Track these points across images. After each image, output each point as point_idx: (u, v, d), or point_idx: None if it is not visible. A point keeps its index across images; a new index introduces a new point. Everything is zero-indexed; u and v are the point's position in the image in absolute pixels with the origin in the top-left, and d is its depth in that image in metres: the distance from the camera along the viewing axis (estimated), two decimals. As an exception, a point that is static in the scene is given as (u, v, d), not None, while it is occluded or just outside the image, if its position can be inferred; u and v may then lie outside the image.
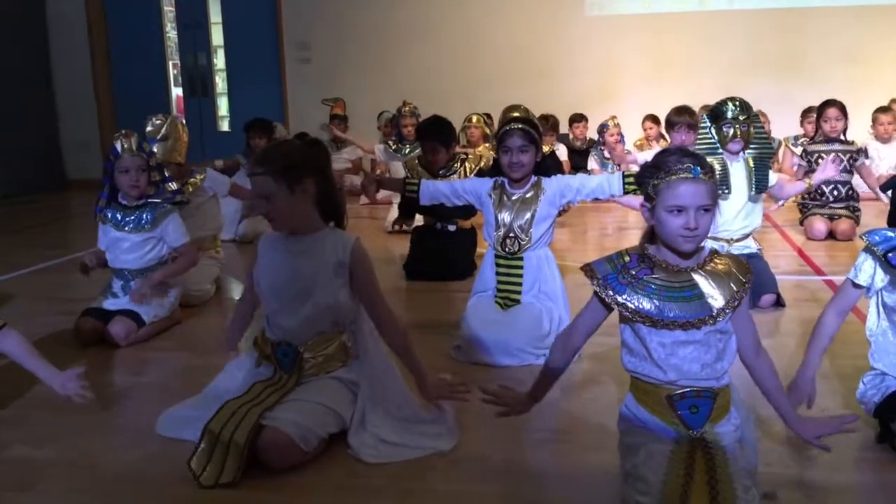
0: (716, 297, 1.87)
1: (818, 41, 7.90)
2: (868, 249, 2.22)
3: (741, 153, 3.83)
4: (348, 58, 8.87)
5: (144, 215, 3.58)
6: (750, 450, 1.95)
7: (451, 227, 4.69)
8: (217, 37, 9.89)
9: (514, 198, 3.24)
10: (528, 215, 3.21)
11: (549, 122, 7.18)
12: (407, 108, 6.35)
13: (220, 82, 10.06)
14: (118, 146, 3.52)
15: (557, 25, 8.56)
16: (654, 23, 8.23)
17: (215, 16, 9.81)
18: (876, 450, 2.29)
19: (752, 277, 1.92)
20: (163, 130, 4.19)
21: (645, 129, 7.95)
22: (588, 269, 1.96)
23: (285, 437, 2.21)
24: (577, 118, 8.03)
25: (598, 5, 8.66)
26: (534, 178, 3.24)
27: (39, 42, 9.41)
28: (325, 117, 8.67)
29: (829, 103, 5.48)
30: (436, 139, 4.60)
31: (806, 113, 7.11)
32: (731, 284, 1.88)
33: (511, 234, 3.22)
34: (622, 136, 7.59)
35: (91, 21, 9.60)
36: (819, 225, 5.35)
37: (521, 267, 3.25)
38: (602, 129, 7.57)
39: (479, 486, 2.19)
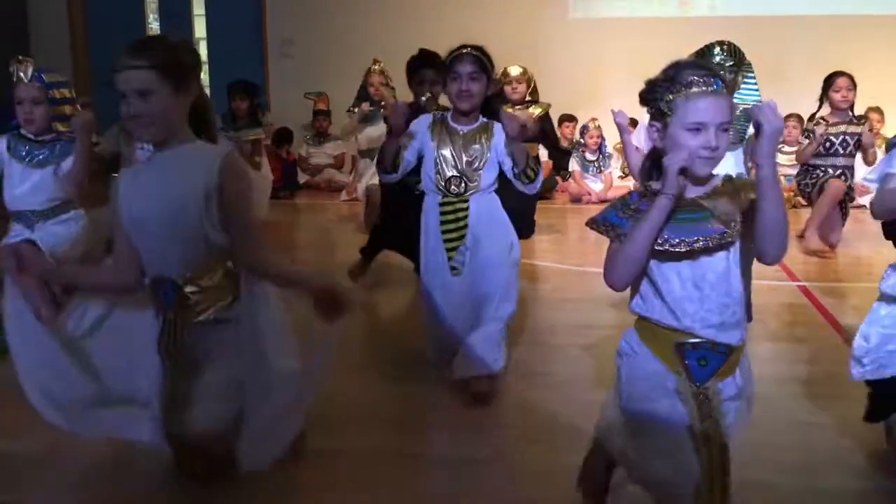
0: (729, 212, 1.69)
1: (798, 50, 7.97)
2: None
3: None
4: (332, 52, 8.83)
5: (56, 149, 3.21)
6: (744, 414, 1.83)
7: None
8: (200, 29, 9.80)
9: (459, 133, 2.92)
10: (476, 154, 2.89)
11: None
12: (376, 66, 5.82)
13: (203, 75, 9.99)
14: (13, 74, 3.15)
15: (542, 28, 8.58)
16: (636, 27, 8.27)
17: (198, 7, 9.73)
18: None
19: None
20: None
21: (620, 152, 7.98)
22: (590, 219, 1.83)
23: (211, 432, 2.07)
24: (567, 118, 8.04)
25: (581, 8, 8.70)
26: (483, 119, 2.93)
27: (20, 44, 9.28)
28: (308, 112, 8.64)
29: (837, 74, 5.28)
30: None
31: (786, 119, 7.19)
32: (742, 197, 1.70)
33: (455, 174, 2.89)
34: (603, 139, 7.63)
35: (71, 11, 9.50)
36: (837, 183, 5.09)
37: (466, 209, 2.90)
38: (583, 130, 7.62)
39: (454, 487, 2.21)
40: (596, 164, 7.60)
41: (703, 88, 1.68)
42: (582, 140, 7.63)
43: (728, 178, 1.75)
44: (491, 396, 2.74)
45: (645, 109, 1.78)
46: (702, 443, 1.72)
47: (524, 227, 4.88)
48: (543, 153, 7.44)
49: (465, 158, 2.88)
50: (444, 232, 2.90)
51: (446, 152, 2.90)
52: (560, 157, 7.68)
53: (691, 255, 1.69)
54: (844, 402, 2.62)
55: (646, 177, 1.82)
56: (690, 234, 1.68)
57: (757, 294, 3.79)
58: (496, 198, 2.95)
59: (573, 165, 7.64)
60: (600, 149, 7.62)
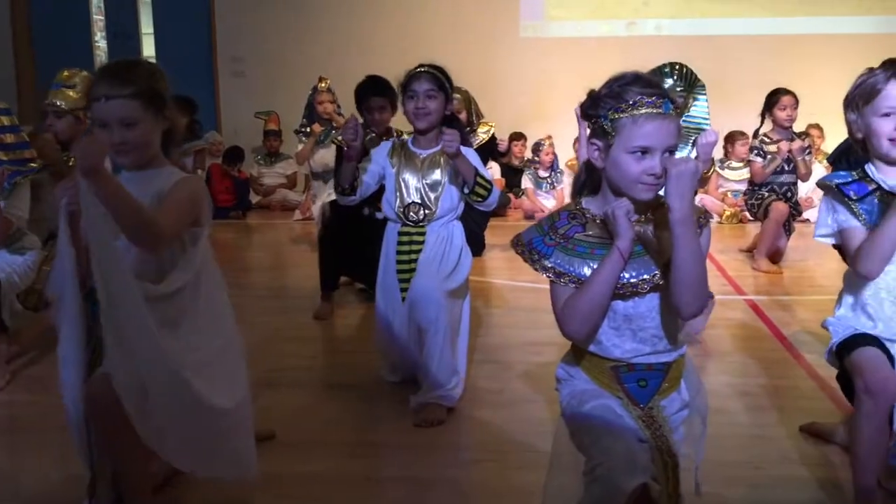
0: (664, 250, 1.60)
1: (741, 68, 8.15)
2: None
3: None
4: (283, 71, 8.80)
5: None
6: (698, 428, 1.80)
7: (380, 214, 3.58)
8: (148, 48, 9.69)
9: (419, 157, 2.90)
10: (435, 179, 2.85)
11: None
12: (323, 85, 5.70)
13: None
14: None
15: (493, 46, 8.67)
16: (586, 46, 8.39)
17: (147, 26, 9.62)
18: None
19: (707, 221, 1.69)
20: (75, 79, 3.74)
21: (576, 150, 8.08)
22: (514, 239, 1.73)
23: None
24: (517, 136, 8.12)
25: (531, 27, 8.82)
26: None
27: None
28: (260, 131, 8.57)
29: (782, 91, 5.40)
30: (384, 95, 3.95)
31: (729, 137, 7.35)
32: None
33: (415, 201, 2.86)
34: (556, 156, 7.71)
35: (15, 28, 9.32)
36: (780, 206, 5.20)
37: (422, 242, 2.87)
38: (537, 147, 7.69)
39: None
40: (549, 180, 7.68)
41: (651, 110, 1.57)
42: (536, 157, 7.70)
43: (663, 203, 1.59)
44: (442, 423, 2.72)
45: (586, 124, 1.68)
46: (656, 455, 1.70)
47: (475, 246, 4.89)
48: (496, 171, 7.51)
49: (424, 183, 2.86)
50: (398, 262, 2.89)
51: (407, 176, 2.88)
52: (512, 174, 7.75)
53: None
54: (791, 415, 2.67)
55: (578, 192, 1.76)
56: (638, 273, 1.63)
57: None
58: (457, 226, 2.93)
59: (526, 183, 7.71)
60: (553, 166, 7.70)
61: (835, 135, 7.84)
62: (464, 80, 6.20)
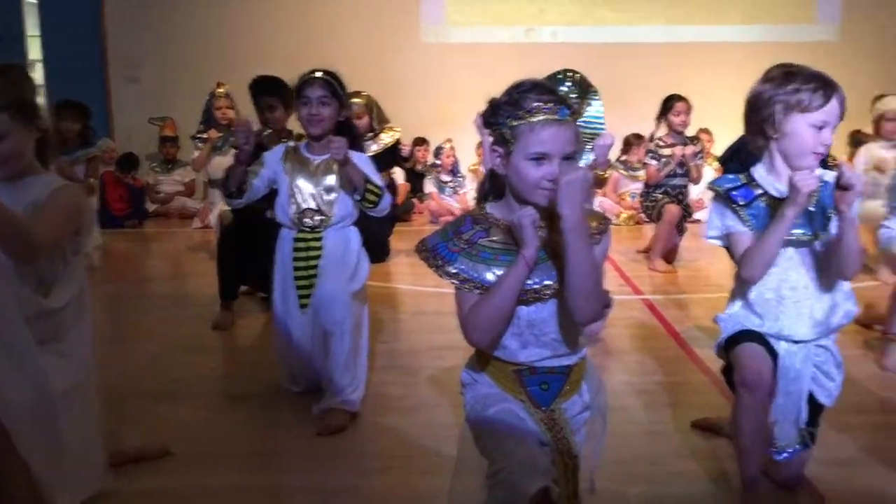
0: (561, 256, 1.60)
1: (635, 74, 8.42)
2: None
3: None
4: (179, 75, 8.57)
5: None
6: (599, 427, 1.82)
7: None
8: (34, 51, 9.28)
9: (313, 163, 2.87)
10: (330, 185, 2.83)
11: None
12: (221, 90, 5.54)
13: (39, 98, 9.42)
14: None
15: (395, 52, 8.69)
16: (486, 52, 8.51)
17: (32, 28, 9.21)
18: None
19: (606, 226, 1.72)
20: None
21: (479, 156, 8.17)
22: (419, 244, 1.72)
23: None
24: (420, 142, 8.14)
25: (433, 32, 8.88)
26: None
27: None
28: (155, 138, 8.31)
29: (676, 97, 5.61)
30: (274, 94, 3.96)
31: (627, 142, 7.57)
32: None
33: (310, 207, 2.83)
34: (457, 160, 7.77)
35: None
36: (673, 208, 5.40)
37: (319, 247, 2.84)
38: (438, 151, 7.74)
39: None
40: (451, 185, 7.73)
41: (548, 117, 1.59)
42: (437, 161, 7.75)
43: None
44: (345, 429, 2.70)
45: (487, 132, 1.69)
46: (557, 457, 1.74)
47: (379, 252, 4.88)
48: (400, 176, 7.52)
49: (319, 189, 2.84)
50: (296, 269, 2.85)
51: (301, 183, 2.85)
52: (416, 179, 7.78)
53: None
54: (685, 410, 2.76)
55: (483, 198, 1.76)
56: (541, 279, 1.65)
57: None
58: (353, 231, 2.92)
59: (429, 187, 7.74)
60: (454, 170, 7.76)
61: (724, 139, 8.19)
62: (366, 84, 6.18)
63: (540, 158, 1.60)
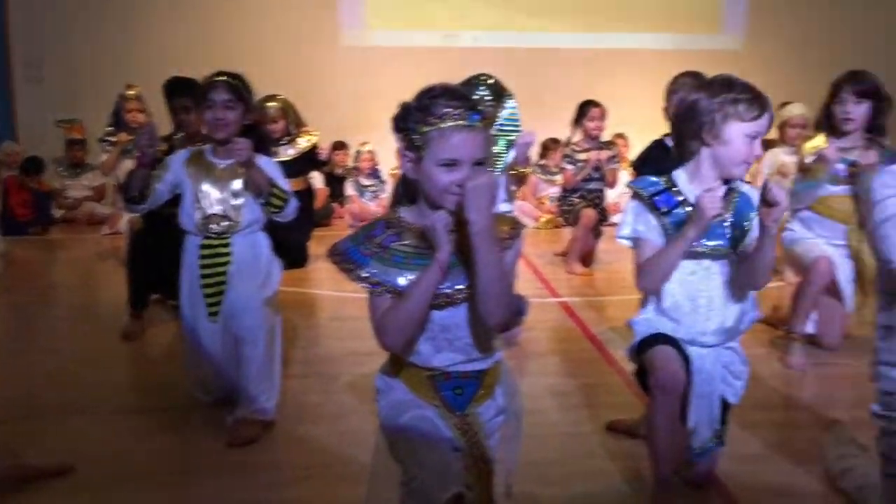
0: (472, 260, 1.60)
1: (553, 79, 8.57)
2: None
3: None
4: (87, 76, 8.27)
5: None
6: (514, 430, 1.82)
7: None
8: (-69, 48, 8.84)
9: (218, 168, 2.81)
10: (237, 190, 2.77)
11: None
12: (132, 92, 5.30)
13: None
14: None
15: (314, 53, 8.59)
16: (406, 55, 8.48)
17: (-71, 25, 8.77)
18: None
19: (518, 231, 1.73)
20: None
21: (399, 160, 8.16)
22: (331, 249, 1.70)
23: None
24: (339, 145, 8.07)
25: (352, 35, 8.82)
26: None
27: None
28: (61, 141, 8.00)
29: (592, 103, 5.70)
30: (188, 96, 3.73)
31: (544, 146, 7.67)
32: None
33: (216, 212, 2.77)
34: (377, 164, 7.74)
35: None
36: (590, 212, 5.48)
37: (227, 253, 2.78)
38: (356, 155, 7.71)
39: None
40: (371, 188, 7.69)
41: (458, 122, 1.59)
42: (356, 165, 7.71)
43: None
44: (258, 440, 2.65)
45: (399, 136, 1.67)
46: (471, 462, 1.74)
47: (298, 257, 4.81)
48: (319, 180, 7.43)
49: (226, 194, 2.77)
50: (203, 276, 2.78)
51: (206, 188, 2.78)
52: (335, 183, 7.71)
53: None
54: (600, 412, 2.81)
55: (397, 202, 1.76)
56: (453, 283, 1.64)
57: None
58: (262, 237, 2.86)
59: (349, 190, 7.68)
60: (375, 174, 7.72)
61: (639, 143, 8.40)
62: (283, 87, 6.10)
63: (450, 164, 1.59)
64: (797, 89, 4.20)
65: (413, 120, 1.63)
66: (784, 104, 5.84)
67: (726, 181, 2.16)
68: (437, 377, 1.72)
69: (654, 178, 2.20)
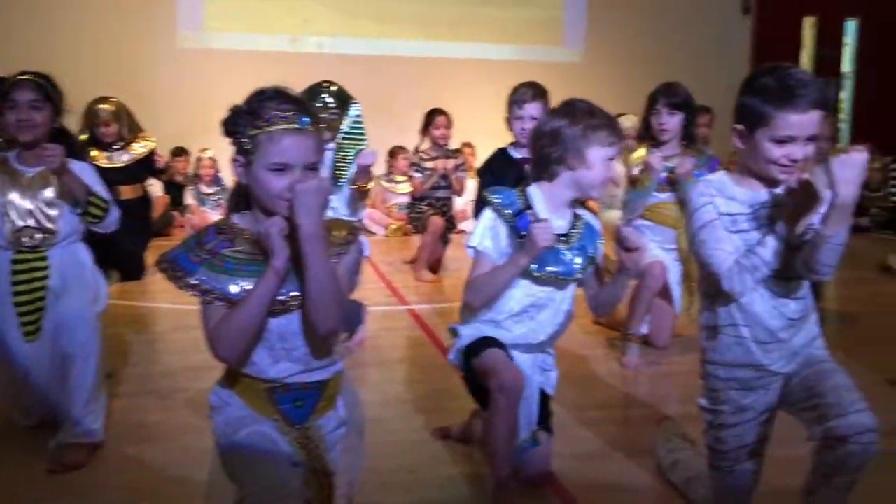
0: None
1: (401, 87, 8.62)
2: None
3: (330, 143, 3.67)
4: None
5: None
6: (356, 441, 1.82)
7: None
8: None
9: (26, 176, 2.61)
10: (50, 198, 2.58)
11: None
12: None
13: None
14: None
15: (149, 56, 8.25)
16: (248, 59, 8.27)
17: None
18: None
19: (355, 237, 1.71)
20: None
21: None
22: (159, 258, 1.65)
23: None
24: (179, 152, 7.76)
25: (191, 38, 8.51)
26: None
27: None
28: None
29: (438, 111, 5.77)
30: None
31: (391, 154, 7.69)
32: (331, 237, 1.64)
33: (29, 224, 2.56)
34: (219, 171, 7.51)
35: None
36: (437, 220, 5.50)
37: (45, 268, 2.58)
38: (197, 162, 7.46)
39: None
40: (213, 197, 7.45)
41: (288, 126, 1.56)
42: (197, 172, 7.45)
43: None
44: (83, 465, 2.48)
45: (230, 140, 1.63)
46: (311, 477, 1.71)
47: (133, 268, 4.57)
48: (158, 188, 7.12)
49: (37, 203, 2.57)
50: (16, 294, 2.56)
51: (13, 197, 2.57)
52: (176, 191, 7.41)
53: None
54: (446, 418, 2.81)
55: (231, 209, 1.71)
56: (287, 290, 1.61)
57: (370, 319, 3.95)
58: (82, 248, 2.69)
59: (189, 199, 7.41)
60: (217, 181, 7.49)
61: (486, 152, 8.58)
62: (117, 90, 5.82)
63: (280, 168, 1.56)
64: (632, 102, 4.42)
65: (242, 123, 1.59)
66: (618, 115, 6.10)
67: (575, 203, 2.26)
68: (276, 389, 1.68)
69: (511, 194, 2.25)
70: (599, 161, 2.16)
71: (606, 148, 2.16)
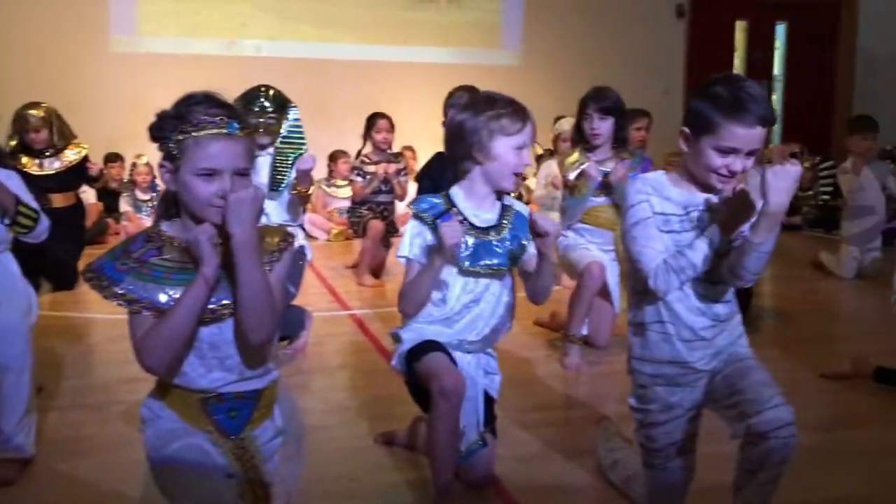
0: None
1: (341, 91, 8.56)
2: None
3: (269, 147, 3.66)
4: None
5: None
6: (294, 450, 1.82)
7: None
8: None
9: None
10: None
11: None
12: None
13: None
14: None
15: (82, 60, 8.01)
16: (184, 63, 8.09)
17: None
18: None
19: (289, 243, 1.70)
20: None
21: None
22: (85, 267, 1.62)
23: None
24: (113, 158, 7.58)
25: (124, 42, 8.31)
26: None
27: None
28: None
29: (379, 115, 5.73)
30: None
31: (332, 157, 7.64)
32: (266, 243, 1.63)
33: None
34: (155, 177, 7.36)
35: None
36: (377, 224, 5.50)
37: None
38: (132, 168, 7.32)
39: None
40: (149, 203, 7.30)
41: (216, 130, 1.54)
42: (132, 178, 7.30)
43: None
44: (14, 482, 2.41)
45: (157, 146, 1.61)
46: (246, 488, 1.69)
47: (65, 278, 4.45)
48: (91, 195, 6.95)
49: None
50: None
51: None
52: (110, 198, 7.25)
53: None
54: (388, 424, 2.79)
55: (161, 216, 1.68)
56: (218, 299, 1.59)
57: (314, 325, 3.89)
58: (10, 258, 2.59)
59: (124, 206, 7.25)
60: (153, 187, 7.34)
61: (427, 156, 8.59)
62: (47, 94, 5.65)
63: (209, 174, 1.54)
64: (571, 104, 4.47)
65: (169, 128, 1.57)
66: (558, 118, 6.17)
67: (499, 194, 2.26)
68: (209, 400, 1.65)
69: (433, 199, 2.25)
70: (506, 151, 2.15)
71: (511, 137, 2.14)
